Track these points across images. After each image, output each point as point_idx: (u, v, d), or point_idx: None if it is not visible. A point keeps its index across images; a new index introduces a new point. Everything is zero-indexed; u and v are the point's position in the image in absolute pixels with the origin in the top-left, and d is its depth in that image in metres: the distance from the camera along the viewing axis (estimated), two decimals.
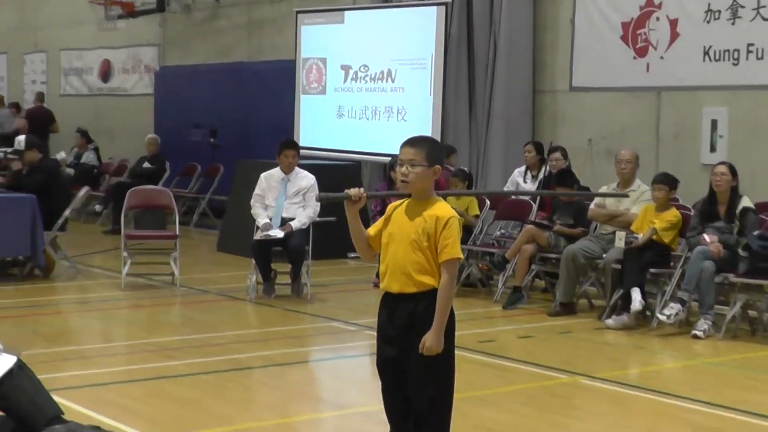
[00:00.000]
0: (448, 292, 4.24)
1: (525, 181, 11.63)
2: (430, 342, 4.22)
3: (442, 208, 4.33)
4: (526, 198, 11.18)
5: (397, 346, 4.33)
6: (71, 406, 5.90)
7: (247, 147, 16.27)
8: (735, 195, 9.06)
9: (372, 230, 4.46)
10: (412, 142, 4.37)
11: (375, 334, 4.49)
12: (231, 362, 7.48)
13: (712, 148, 11.41)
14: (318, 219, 10.18)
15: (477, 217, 10.89)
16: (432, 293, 4.26)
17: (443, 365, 4.30)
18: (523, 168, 11.78)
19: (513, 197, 11.35)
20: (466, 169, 11.53)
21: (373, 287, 10.74)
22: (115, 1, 19.71)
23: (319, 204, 9.96)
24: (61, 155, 15.64)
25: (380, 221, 4.46)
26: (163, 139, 16.96)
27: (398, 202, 4.45)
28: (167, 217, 11.30)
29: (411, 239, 4.29)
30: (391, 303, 4.36)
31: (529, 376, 7.29)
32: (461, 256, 4.34)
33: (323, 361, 8.11)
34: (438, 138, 12.15)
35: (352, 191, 4.34)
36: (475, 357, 7.70)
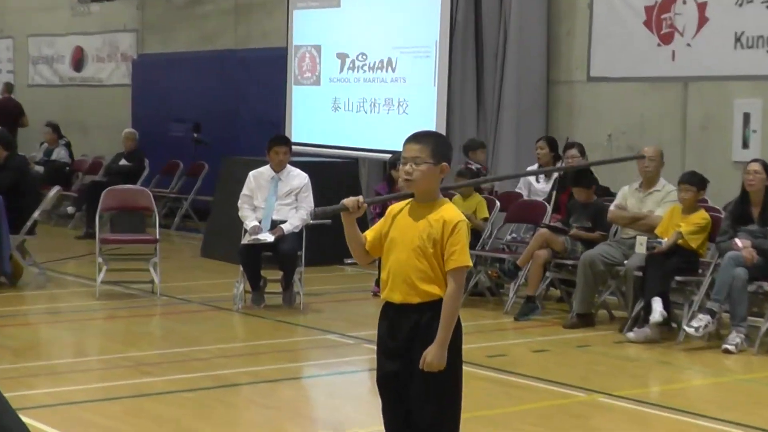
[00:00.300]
0: (454, 303, 4.28)
1: (538, 181, 11.68)
2: (432, 357, 4.25)
3: (450, 211, 4.35)
4: (540, 198, 11.20)
5: (398, 361, 4.35)
6: (42, 428, 5.89)
7: (233, 143, 16.26)
8: None
9: (370, 234, 4.49)
10: (417, 138, 4.39)
11: (374, 347, 4.52)
12: (216, 378, 7.47)
13: (745, 144, 11.43)
14: (312, 221, 10.15)
15: (486, 220, 10.88)
16: (437, 304, 4.29)
17: (447, 381, 4.31)
18: (535, 166, 11.81)
19: (525, 197, 11.46)
20: (473, 166, 11.45)
21: (372, 296, 10.75)
22: None
23: (312, 204, 10.02)
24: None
25: (379, 224, 4.49)
26: (142, 134, 16.91)
27: (400, 203, 4.46)
28: (146, 219, 11.33)
29: (415, 245, 4.32)
30: (392, 314, 4.39)
31: (543, 394, 7.30)
32: (470, 263, 4.36)
33: (317, 377, 8.12)
34: (444, 132, 12.23)
35: (349, 201, 4.34)
36: (483, 373, 7.68)
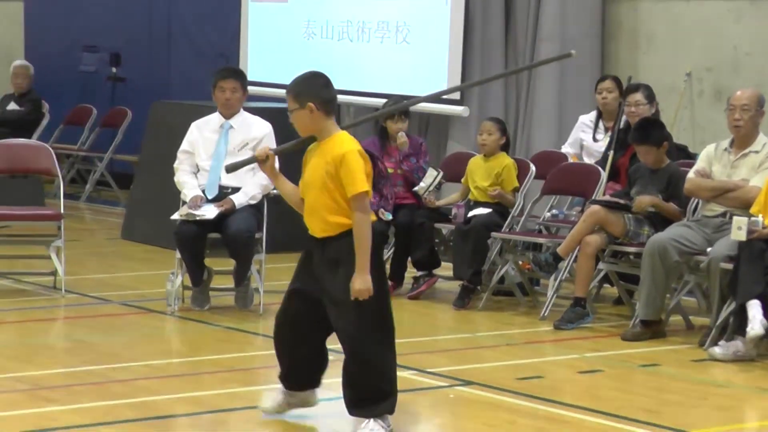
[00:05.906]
0: (362, 229, 6.52)
1: (595, 138, 11.59)
2: (359, 284, 6.49)
3: (339, 144, 6.64)
4: (593, 161, 11.18)
5: (315, 280, 6.80)
6: None
7: (166, 81, 16.48)
8: None
9: (300, 183, 6.82)
10: (287, 89, 6.85)
11: None
12: (142, 408, 7.50)
13: None
14: (277, 191, 9.95)
15: (516, 190, 10.94)
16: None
17: (376, 307, 6.62)
18: (593, 115, 11.72)
19: (570, 160, 11.40)
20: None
21: None
22: None
23: (277, 163, 9.82)
24: None
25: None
26: (38, 69, 16.94)
27: (312, 145, 6.79)
28: (46, 186, 11.35)
29: (321, 182, 6.60)
30: (314, 243, 6.77)
31: (594, 431, 7.32)
32: (364, 188, 6.54)
33: None
34: (459, 69, 12.67)
35: (258, 151, 6.91)
36: (511, 401, 7.39)
